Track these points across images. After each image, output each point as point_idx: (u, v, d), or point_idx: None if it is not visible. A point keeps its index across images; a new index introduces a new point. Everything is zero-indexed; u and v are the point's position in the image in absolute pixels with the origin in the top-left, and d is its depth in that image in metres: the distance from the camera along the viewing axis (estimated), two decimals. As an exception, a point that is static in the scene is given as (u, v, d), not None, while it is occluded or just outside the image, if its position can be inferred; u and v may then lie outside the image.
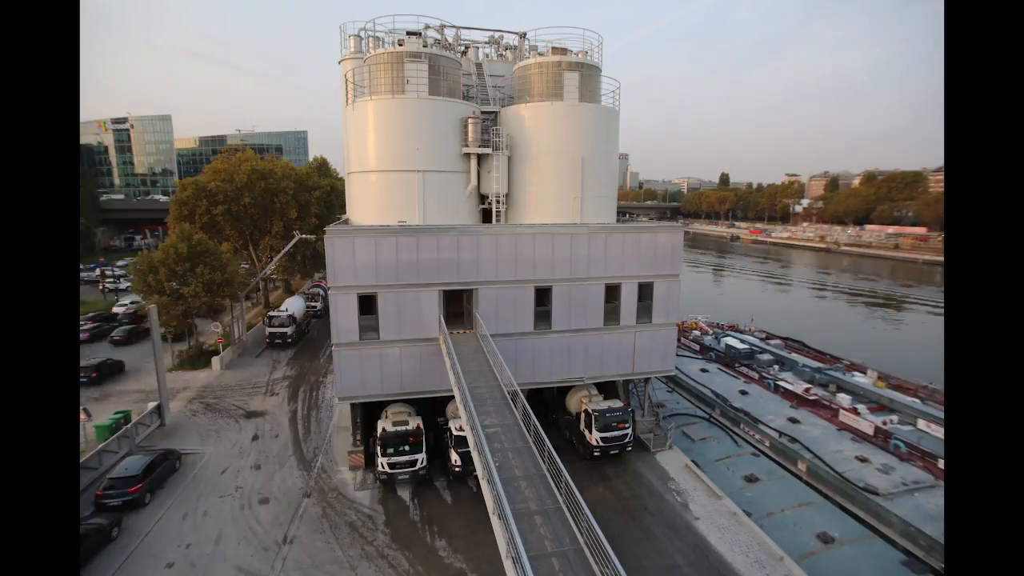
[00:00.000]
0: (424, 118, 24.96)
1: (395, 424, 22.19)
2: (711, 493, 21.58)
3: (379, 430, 22.05)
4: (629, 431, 23.89)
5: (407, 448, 21.53)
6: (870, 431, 26.26)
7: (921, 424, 27.31)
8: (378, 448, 21.63)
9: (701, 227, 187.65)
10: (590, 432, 23.56)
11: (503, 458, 13.51)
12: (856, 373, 34.81)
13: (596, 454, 23.48)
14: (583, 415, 24.23)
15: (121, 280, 59.03)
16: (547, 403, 27.96)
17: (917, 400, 30.09)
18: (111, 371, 34.00)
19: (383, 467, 21.40)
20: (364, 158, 25.73)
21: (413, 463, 21.52)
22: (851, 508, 21.34)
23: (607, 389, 27.60)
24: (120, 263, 58.11)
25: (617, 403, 24.32)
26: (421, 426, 22.28)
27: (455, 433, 21.92)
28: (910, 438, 25.47)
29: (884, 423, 26.99)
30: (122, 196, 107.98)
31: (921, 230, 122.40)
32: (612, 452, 23.72)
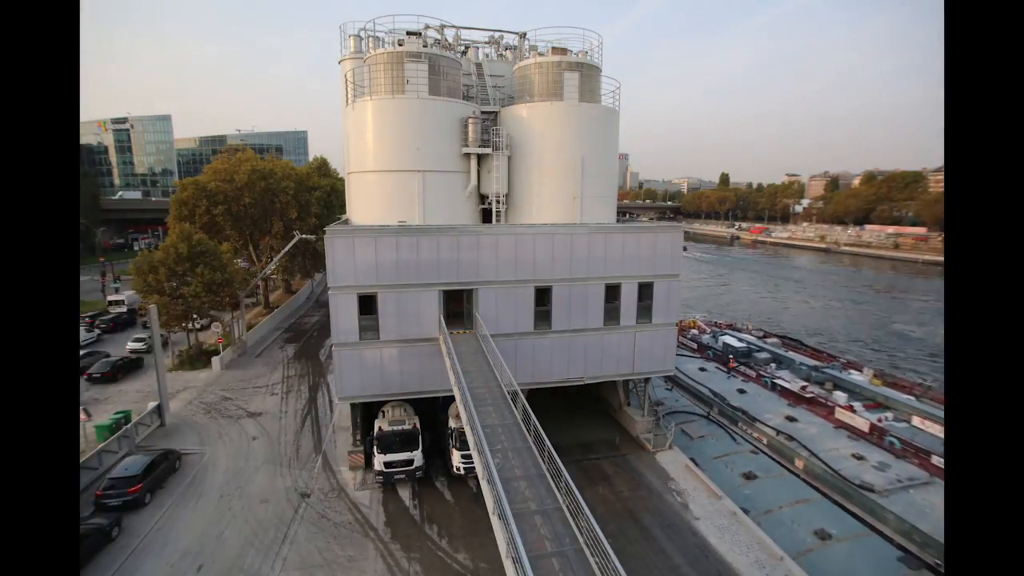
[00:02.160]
0: (424, 118, 24.96)
1: (392, 423, 22.25)
2: (711, 493, 21.59)
3: (376, 429, 22.10)
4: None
5: (404, 447, 21.59)
6: (865, 428, 26.42)
7: (916, 421, 27.43)
8: (375, 447, 21.69)
9: (701, 227, 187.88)
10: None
11: (503, 458, 13.51)
12: (852, 371, 34.98)
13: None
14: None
15: (120, 290, 58.11)
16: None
17: (912, 397, 30.24)
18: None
19: (380, 466, 21.46)
20: (364, 158, 25.73)
21: (410, 462, 21.56)
22: (848, 505, 21.46)
23: (606, 389, 27.61)
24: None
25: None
26: (418, 425, 22.34)
27: None
28: (904, 435, 25.59)
29: (879, 420, 27.13)
30: (138, 195, 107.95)
31: (921, 230, 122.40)
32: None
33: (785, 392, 31.64)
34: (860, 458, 24.01)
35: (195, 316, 36.96)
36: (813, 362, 36.59)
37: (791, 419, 28.07)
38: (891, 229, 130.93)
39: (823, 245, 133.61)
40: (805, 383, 32.29)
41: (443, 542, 18.79)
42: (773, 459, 25.27)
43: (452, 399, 20.33)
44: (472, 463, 18.39)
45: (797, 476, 23.82)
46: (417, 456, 21.71)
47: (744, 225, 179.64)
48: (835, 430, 26.91)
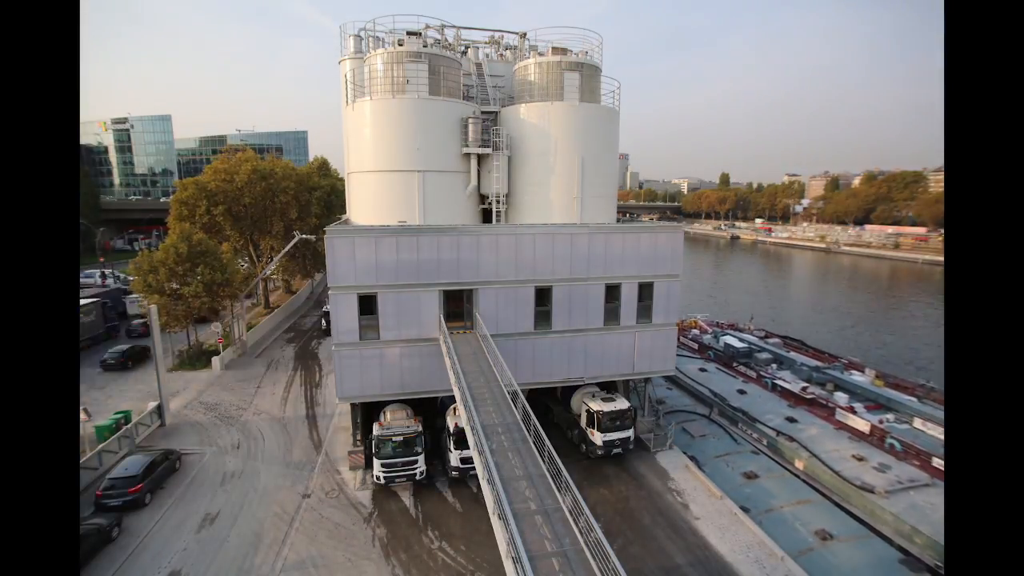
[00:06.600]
0: (424, 118, 24.93)
1: (391, 427, 21.86)
2: (711, 493, 21.59)
3: (374, 432, 21.61)
4: (631, 432, 24.00)
5: (403, 452, 21.12)
6: (866, 430, 26.36)
7: (917, 423, 27.36)
8: (373, 452, 21.22)
9: (701, 227, 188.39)
10: (595, 432, 23.63)
11: (503, 458, 13.51)
12: (855, 372, 34.85)
13: (600, 453, 23.59)
14: (585, 415, 24.29)
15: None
16: (546, 404, 27.98)
17: (914, 399, 30.10)
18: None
19: (379, 471, 21.00)
20: (364, 158, 25.71)
21: (411, 465, 21.17)
22: (848, 506, 21.47)
23: (607, 389, 27.59)
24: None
25: (623, 403, 24.28)
26: (420, 428, 21.91)
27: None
28: (906, 437, 25.51)
29: (880, 422, 27.03)
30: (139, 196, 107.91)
31: (921, 230, 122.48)
32: (615, 452, 23.82)
33: (785, 393, 31.58)
34: (861, 459, 24.02)
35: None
36: (815, 363, 36.52)
37: (791, 420, 28.07)
38: (891, 229, 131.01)
39: (823, 245, 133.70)
40: (806, 384, 32.22)
41: (443, 542, 18.79)
42: (773, 459, 25.32)
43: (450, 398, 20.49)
44: (468, 464, 19.80)
45: (797, 476, 23.86)
46: (419, 460, 21.31)
47: (742, 224, 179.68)
48: (836, 431, 26.89)
